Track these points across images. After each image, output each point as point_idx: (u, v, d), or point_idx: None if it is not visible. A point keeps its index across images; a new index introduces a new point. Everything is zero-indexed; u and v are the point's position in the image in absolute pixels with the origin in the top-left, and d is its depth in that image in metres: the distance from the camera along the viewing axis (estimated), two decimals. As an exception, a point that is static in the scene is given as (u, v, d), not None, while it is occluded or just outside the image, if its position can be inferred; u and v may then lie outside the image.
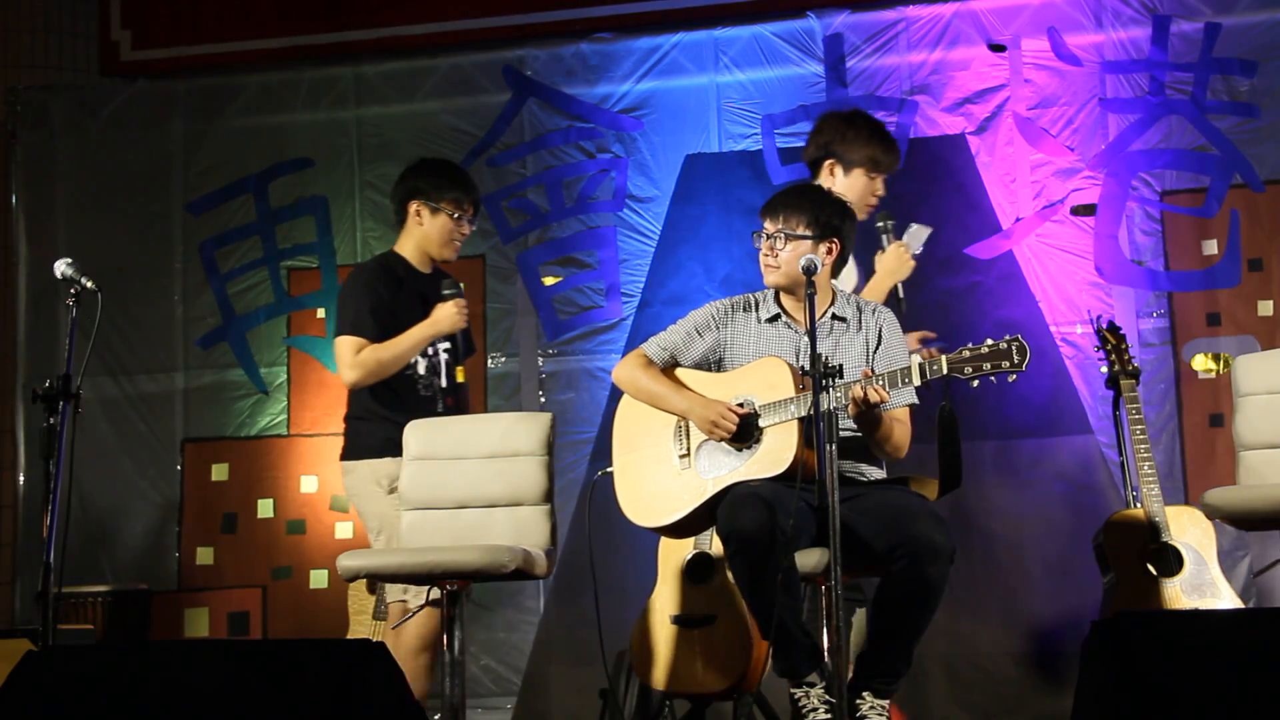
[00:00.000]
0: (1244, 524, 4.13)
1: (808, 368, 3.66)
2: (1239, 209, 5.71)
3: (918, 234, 4.76)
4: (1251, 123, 5.73)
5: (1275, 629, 2.81)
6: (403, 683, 3.14)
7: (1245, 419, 4.14)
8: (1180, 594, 4.63)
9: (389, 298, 4.67)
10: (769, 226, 4.11)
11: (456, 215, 4.76)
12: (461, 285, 4.76)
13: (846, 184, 4.65)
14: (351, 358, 4.62)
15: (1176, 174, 5.76)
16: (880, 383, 3.79)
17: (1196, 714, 2.67)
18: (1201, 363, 5.10)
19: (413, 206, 4.75)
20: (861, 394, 3.77)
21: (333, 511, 6.32)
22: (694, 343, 4.19)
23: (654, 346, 4.22)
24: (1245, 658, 2.68)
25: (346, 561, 4.25)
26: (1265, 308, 5.66)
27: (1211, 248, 5.72)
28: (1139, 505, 4.82)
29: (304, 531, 6.34)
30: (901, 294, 4.66)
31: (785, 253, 4.06)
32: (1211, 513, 3.94)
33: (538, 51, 6.44)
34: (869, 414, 3.85)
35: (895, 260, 4.68)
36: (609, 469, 4.22)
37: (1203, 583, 4.63)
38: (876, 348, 4.12)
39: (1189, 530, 4.74)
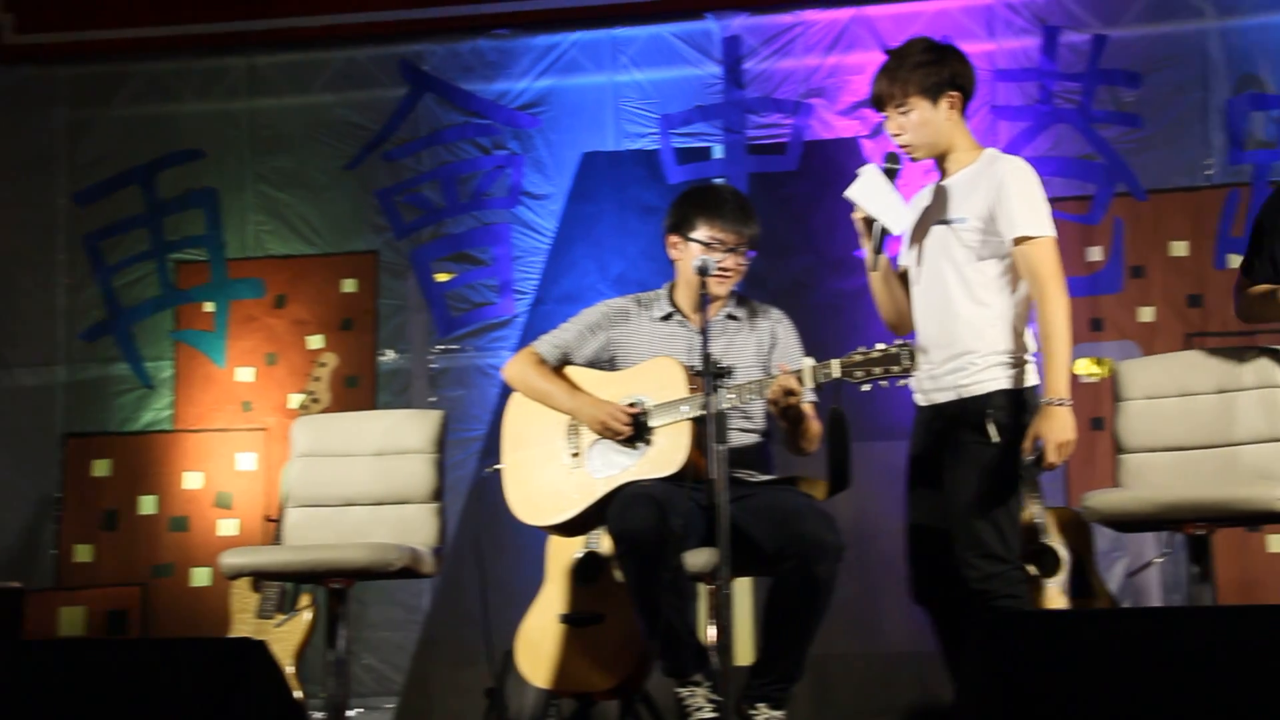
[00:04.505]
0: (1121, 526, 4.21)
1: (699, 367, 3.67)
2: (1122, 217, 5.83)
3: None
4: (1135, 133, 5.86)
5: (1148, 628, 2.87)
6: (283, 681, 3.11)
7: (1125, 423, 4.22)
8: (1059, 594, 4.72)
9: None
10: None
11: None
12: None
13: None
14: None
15: (1064, 181, 5.85)
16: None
17: (1071, 713, 2.71)
18: (1084, 367, 5.18)
19: None
20: (780, 389, 3.75)
21: (217, 508, 6.21)
22: (586, 341, 4.17)
23: (546, 344, 4.19)
24: (1119, 657, 2.73)
25: (229, 559, 4.19)
26: (1146, 314, 5.78)
27: (1095, 254, 5.84)
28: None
29: (187, 529, 6.21)
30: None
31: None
32: (1090, 515, 4.00)
33: (435, 47, 6.39)
34: (791, 409, 3.82)
35: None
36: (497, 466, 4.19)
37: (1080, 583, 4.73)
38: (771, 349, 4.13)
39: (1068, 532, 4.83)
